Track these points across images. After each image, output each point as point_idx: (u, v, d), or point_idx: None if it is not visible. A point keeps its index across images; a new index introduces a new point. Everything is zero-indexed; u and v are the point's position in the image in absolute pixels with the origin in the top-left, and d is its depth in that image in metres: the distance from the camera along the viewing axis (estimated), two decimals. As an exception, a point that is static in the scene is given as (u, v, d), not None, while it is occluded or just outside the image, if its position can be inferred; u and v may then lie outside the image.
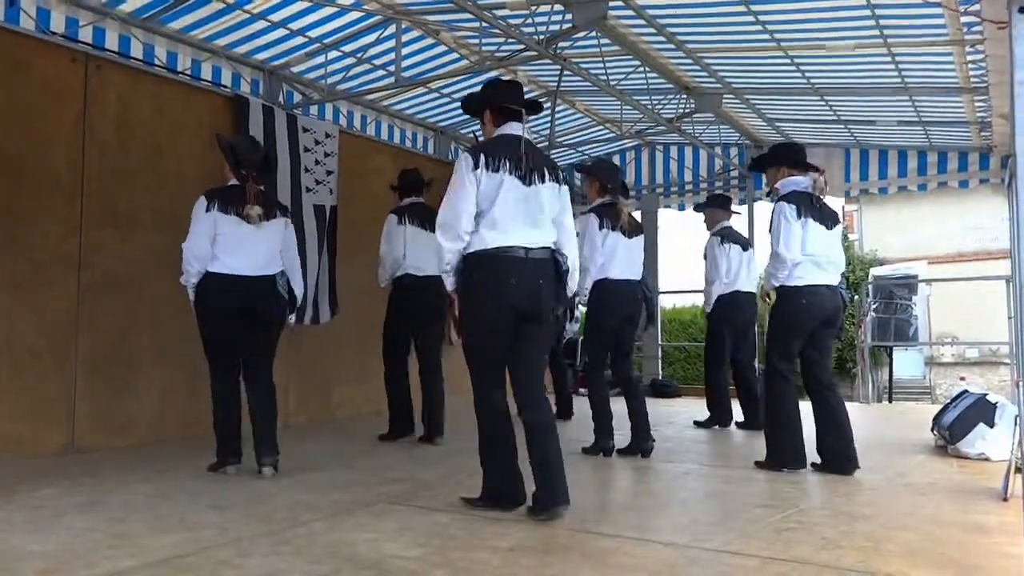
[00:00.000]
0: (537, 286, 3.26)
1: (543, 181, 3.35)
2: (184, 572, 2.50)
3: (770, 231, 4.39)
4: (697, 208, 6.94)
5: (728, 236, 6.33)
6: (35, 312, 4.72)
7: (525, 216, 3.28)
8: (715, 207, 6.55)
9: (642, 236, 5.10)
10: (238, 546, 2.79)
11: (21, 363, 4.65)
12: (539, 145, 8.87)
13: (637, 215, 9.84)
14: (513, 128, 3.40)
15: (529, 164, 3.33)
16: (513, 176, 3.28)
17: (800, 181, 4.45)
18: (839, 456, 4.26)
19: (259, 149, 4.43)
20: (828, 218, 4.43)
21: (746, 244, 6.43)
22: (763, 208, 7.59)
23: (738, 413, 6.35)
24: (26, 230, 4.69)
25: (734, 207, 6.76)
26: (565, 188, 3.48)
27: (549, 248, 3.34)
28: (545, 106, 7.84)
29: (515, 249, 3.23)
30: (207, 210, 4.05)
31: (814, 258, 4.32)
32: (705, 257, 6.42)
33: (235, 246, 4.07)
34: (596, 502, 3.72)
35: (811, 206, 4.35)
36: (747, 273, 6.33)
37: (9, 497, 3.54)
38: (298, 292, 4.38)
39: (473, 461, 3.40)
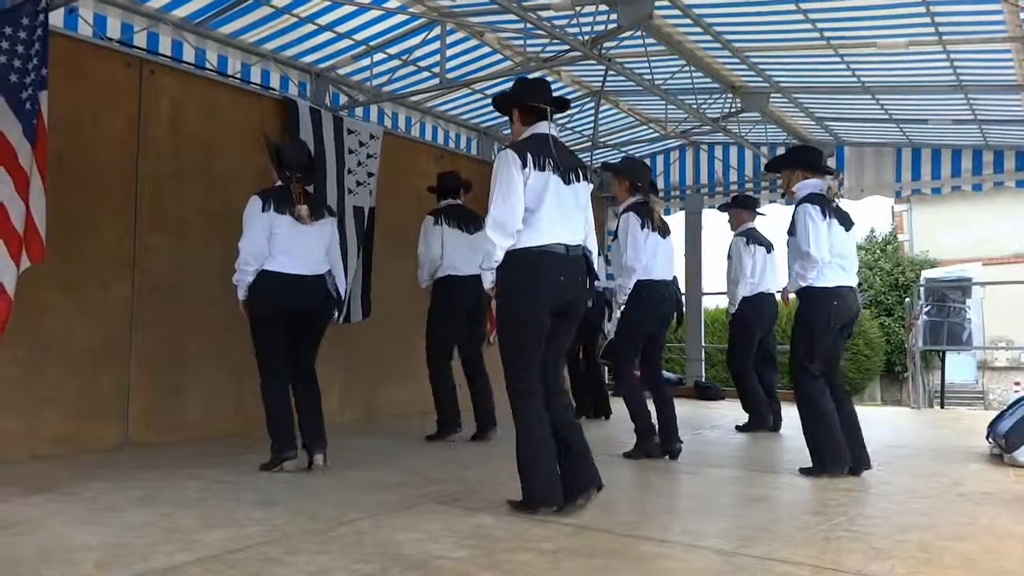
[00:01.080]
0: (578, 283, 3.39)
1: (579, 180, 3.46)
2: (235, 568, 2.55)
3: (792, 233, 4.38)
4: (721, 208, 6.94)
5: (753, 237, 6.33)
6: (91, 313, 4.85)
7: (566, 214, 3.37)
8: (740, 208, 6.53)
9: (671, 236, 5.09)
10: (286, 543, 2.84)
11: (79, 363, 4.78)
12: (583, 145, 8.91)
13: (680, 216, 9.90)
14: (543, 127, 3.46)
15: (566, 163, 3.42)
16: (556, 175, 3.36)
17: (816, 184, 4.44)
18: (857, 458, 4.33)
19: (304, 150, 4.53)
20: (846, 219, 4.45)
21: (769, 246, 6.41)
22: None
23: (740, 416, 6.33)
24: (83, 233, 4.82)
25: (779, 206, 6.70)
26: (591, 186, 3.58)
27: (582, 246, 3.44)
28: (589, 106, 7.84)
29: (558, 247, 3.31)
30: (263, 210, 4.15)
31: (839, 260, 4.35)
32: (730, 257, 6.42)
33: (290, 246, 4.18)
34: (640, 506, 3.69)
35: (831, 208, 4.36)
36: (771, 275, 6.31)
37: (68, 491, 3.65)
38: (342, 291, 4.49)
39: (515, 465, 3.38)
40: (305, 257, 4.23)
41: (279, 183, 4.31)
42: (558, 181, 3.35)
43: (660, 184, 10.04)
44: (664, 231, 4.96)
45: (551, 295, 3.28)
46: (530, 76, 6.77)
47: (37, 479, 3.91)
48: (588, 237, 3.51)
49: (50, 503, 3.41)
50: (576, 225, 3.41)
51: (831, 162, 9.01)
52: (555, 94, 3.58)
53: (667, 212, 10.12)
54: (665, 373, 10.13)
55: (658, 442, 4.83)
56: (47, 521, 3.11)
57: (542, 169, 3.31)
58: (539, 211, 3.28)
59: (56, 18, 4.67)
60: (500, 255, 3.28)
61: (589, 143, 8.73)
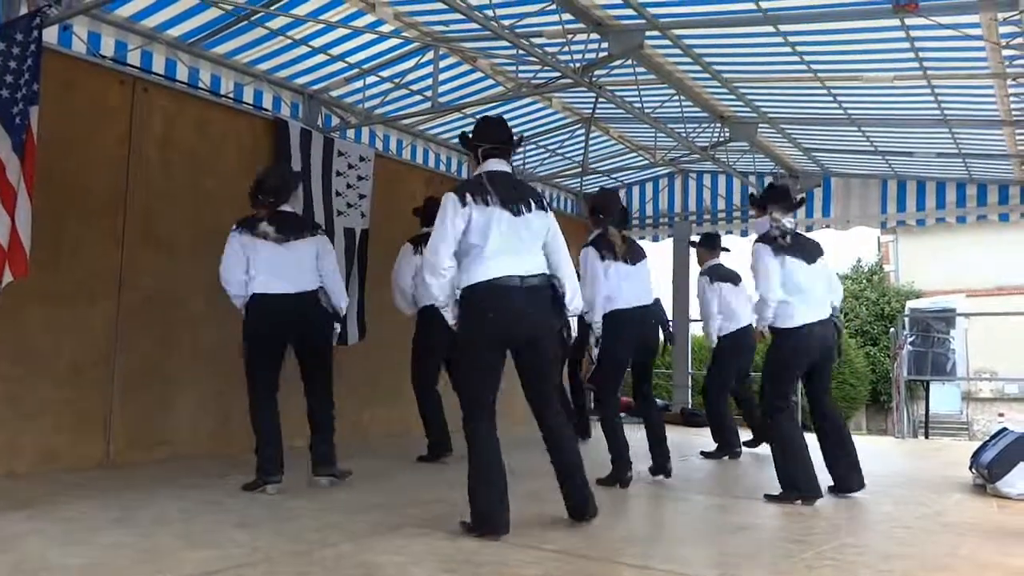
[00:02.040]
0: (538, 313, 3.43)
1: (530, 210, 3.50)
2: (214, 590, 2.52)
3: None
4: (690, 244, 7.05)
5: (717, 274, 6.41)
6: (77, 329, 4.82)
7: (517, 246, 3.43)
8: (701, 247, 6.63)
9: (646, 260, 4.98)
10: (266, 565, 2.81)
11: (63, 379, 4.74)
12: (574, 171, 8.95)
13: (668, 244, 9.96)
14: (495, 164, 3.56)
15: (515, 195, 3.49)
16: (502, 208, 3.42)
17: (764, 223, 4.50)
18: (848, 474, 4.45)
19: (276, 174, 4.54)
20: (807, 252, 4.45)
21: (736, 279, 6.46)
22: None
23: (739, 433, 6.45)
24: (71, 248, 4.81)
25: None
26: (551, 213, 3.60)
27: (544, 274, 3.48)
28: (579, 132, 7.92)
29: (511, 278, 3.37)
30: (239, 233, 4.24)
31: (799, 295, 4.34)
32: (698, 296, 6.49)
33: (272, 266, 4.21)
34: (624, 532, 3.68)
35: (783, 244, 4.36)
36: (744, 306, 6.35)
37: (48, 509, 3.60)
38: (340, 306, 4.49)
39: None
40: (294, 277, 4.26)
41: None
42: (505, 214, 3.41)
43: (648, 211, 10.13)
44: (632, 258, 4.88)
45: (503, 328, 3.36)
46: (526, 102, 6.96)
47: (17, 496, 3.86)
48: (559, 266, 3.55)
49: (29, 521, 3.37)
50: (531, 256, 3.46)
51: (818, 192, 9.12)
52: (535, 123, 3.70)
53: (655, 239, 10.21)
54: (651, 399, 10.16)
55: (632, 476, 4.74)
56: (25, 539, 3.07)
57: (486, 204, 3.40)
58: (486, 245, 3.36)
59: (50, 35, 4.68)
60: (437, 293, 3.41)
61: (579, 169, 8.79)
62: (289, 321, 4.25)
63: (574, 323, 5.34)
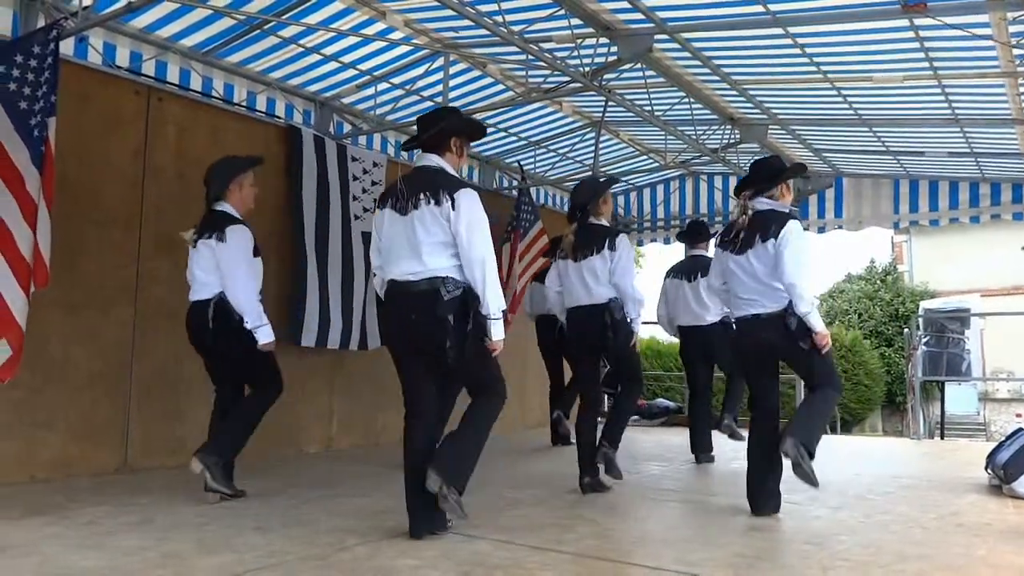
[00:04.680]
0: (412, 320, 3.26)
1: (417, 207, 3.27)
2: (231, 593, 2.55)
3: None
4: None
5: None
6: (92, 338, 4.89)
7: (396, 248, 3.35)
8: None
9: (594, 256, 4.49)
10: (283, 569, 2.84)
11: (79, 387, 4.80)
12: (583, 174, 8.95)
13: (680, 246, 9.92)
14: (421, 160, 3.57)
15: (411, 191, 3.34)
16: (391, 209, 3.40)
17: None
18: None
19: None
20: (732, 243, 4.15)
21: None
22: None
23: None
24: (86, 258, 4.87)
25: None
26: (440, 207, 3.24)
27: (440, 278, 3.23)
28: (589, 136, 7.94)
29: (392, 283, 3.39)
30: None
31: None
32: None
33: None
34: (637, 534, 3.69)
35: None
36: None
37: (65, 514, 3.66)
38: (242, 311, 4.18)
39: (513, 492, 3.39)
40: (192, 283, 4.33)
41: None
42: (393, 215, 3.37)
43: (660, 214, 10.13)
44: (578, 254, 4.55)
45: (390, 331, 3.47)
46: (535, 107, 6.98)
47: (35, 502, 3.91)
48: (468, 265, 3.20)
49: (47, 527, 3.42)
50: (412, 257, 3.24)
51: (830, 193, 9.09)
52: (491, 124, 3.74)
53: (667, 242, 10.20)
54: (665, 401, 10.13)
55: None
56: (44, 544, 3.12)
57: (382, 206, 3.46)
58: (381, 247, 3.46)
59: (66, 47, 4.74)
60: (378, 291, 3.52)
61: (590, 172, 8.80)
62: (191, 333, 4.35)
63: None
